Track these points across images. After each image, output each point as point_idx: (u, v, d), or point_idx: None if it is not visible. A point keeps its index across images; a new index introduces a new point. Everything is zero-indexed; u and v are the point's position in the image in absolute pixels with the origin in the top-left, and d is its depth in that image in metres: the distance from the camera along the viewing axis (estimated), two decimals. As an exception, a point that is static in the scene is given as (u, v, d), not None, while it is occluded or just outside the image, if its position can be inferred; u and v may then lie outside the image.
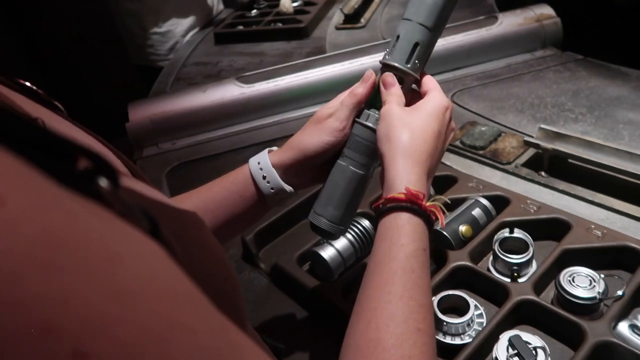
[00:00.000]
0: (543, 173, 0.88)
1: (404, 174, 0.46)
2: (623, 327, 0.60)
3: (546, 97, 1.13)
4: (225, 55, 1.70)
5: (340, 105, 0.55)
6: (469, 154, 0.97)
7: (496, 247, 0.70)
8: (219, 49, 1.77)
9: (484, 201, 0.78)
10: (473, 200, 0.79)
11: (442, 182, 0.86)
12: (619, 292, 0.62)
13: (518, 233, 0.72)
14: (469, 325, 0.63)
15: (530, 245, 0.70)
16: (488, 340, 0.59)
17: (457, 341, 0.62)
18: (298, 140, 0.56)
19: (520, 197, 0.79)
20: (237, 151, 1.16)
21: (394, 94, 0.53)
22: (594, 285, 0.63)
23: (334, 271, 0.73)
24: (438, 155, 0.51)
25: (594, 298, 0.62)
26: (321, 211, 0.55)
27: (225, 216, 0.57)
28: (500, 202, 0.79)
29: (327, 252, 0.73)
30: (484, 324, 0.62)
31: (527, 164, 0.92)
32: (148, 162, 1.17)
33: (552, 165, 0.88)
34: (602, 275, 0.64)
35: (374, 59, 1.28)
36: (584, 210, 0.81)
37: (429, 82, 0.54)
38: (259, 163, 0.57)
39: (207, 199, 0.58)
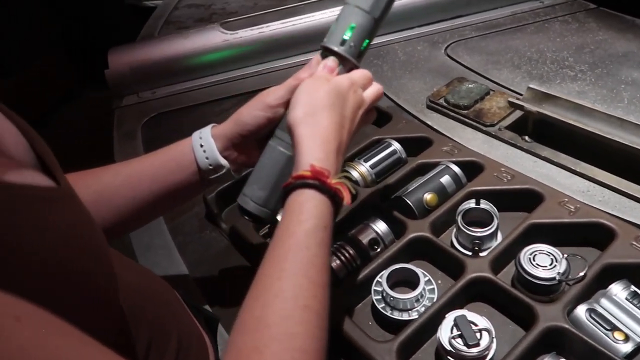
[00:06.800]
0: (527, 138, 0.82)
1: (310, 152, 0.45)
2: (581, 310, 0.56)
3: (547, 52, 1.05)
4: (218, -4, 1.62)
5: (281, 85, 0.55)
6: (452, 114, 0.91)
7: (459, 218, 0.66)
8: (213, -10, 1.68)
9: (455, 168, 0.74)
10: (443, 166, 0.74)
11: (415, 144, 0.81)
12: (580, 274, 0.58)
13: (484, 204, 0.67)
14: (417, 300, 0.60)
15: (495, 218, 0.66)
16: (434, 318, 0.57)
17: (405, 317, 0.59)
18: (237, 112, 0.57)
19: (495, 165, 0.74)
20: (217, 102, 1.12)
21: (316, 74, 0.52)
22: (555, 265, 0.59)
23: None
24: (346, 133, 0.49)
25: (552, 279, 0.58)
26: (248, 192, 0.54)
27: (163, 183, 0.57)
28: (473, 168, 0.75)
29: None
30: (435, 300, 0.60)
31: (512, 127, 0.85)
32: (127, 111, 1.14)
33: (537, 129, 0.82)
34: (566, 255, 0.60)
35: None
36: (565, 180, 0.76)
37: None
38: (200, 133, 0.58)
39: (146, 164, 0.58)
